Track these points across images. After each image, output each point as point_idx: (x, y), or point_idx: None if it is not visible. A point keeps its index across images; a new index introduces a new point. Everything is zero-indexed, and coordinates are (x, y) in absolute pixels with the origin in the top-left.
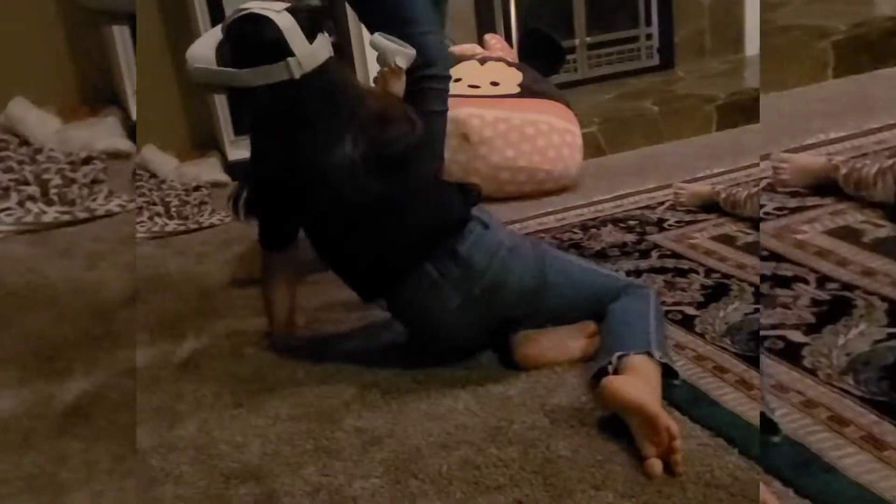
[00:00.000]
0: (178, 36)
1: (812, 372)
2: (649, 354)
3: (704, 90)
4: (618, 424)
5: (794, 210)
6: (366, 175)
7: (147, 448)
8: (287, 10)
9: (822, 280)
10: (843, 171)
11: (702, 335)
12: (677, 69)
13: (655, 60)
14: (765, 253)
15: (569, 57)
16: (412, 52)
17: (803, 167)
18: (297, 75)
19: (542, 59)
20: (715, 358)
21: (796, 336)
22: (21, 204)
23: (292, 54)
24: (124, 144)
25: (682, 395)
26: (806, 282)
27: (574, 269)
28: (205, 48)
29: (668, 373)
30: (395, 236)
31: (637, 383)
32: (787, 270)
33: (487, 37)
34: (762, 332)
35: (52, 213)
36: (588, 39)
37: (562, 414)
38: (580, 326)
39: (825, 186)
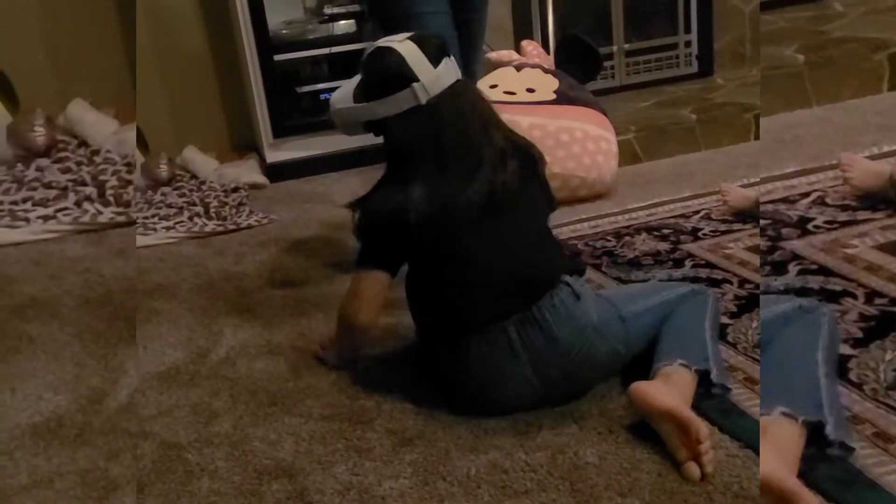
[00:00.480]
0: (220, 40)
1: (858, 386)
2: (700, 372)
3: (743, 98)
4: (645, 433)
5: (844, 224)
6: (480, 214)
7: (184, 443)
8: (409, 38)
9: (871, 295)
10: None
11: (734, 345)
12: (716, 77)
13: (694, 68)
14: (814, 266)
15: (607, 64)
16: None
17: (871, 170)
18: (423, 100)
19: (578, 66)
20: (746, 369)
21: (843, 349)
22: (78, 204)
23: (417, 80)
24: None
25: (712, 405)
26: (854, 296)
27: (649, 311)
28: (344, 92)
29: (722, 387)
30: (483, 284)
31: (666, 389)
32: (835, 285)
33: (524, 43)
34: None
35: (107, 214)
36: (626, 46)
37: (590, 421)
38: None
39: (884, 197)
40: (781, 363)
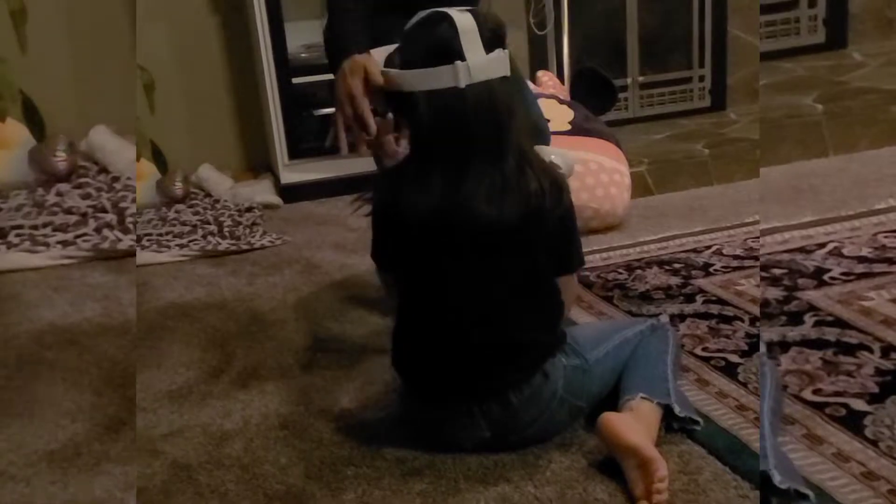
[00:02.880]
0: (240, 61)
1: (873, 443)
2: (665, 406)
3: (756, 135)
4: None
5: (860, 276)
6: (474, 242)
7: (195, 464)
8: (471, 11)
9: (887, 349)
10: None
11: (745, 384)
12: (729, 112)
13: (707, 102)
14: (830, 318)
15: (621, 95)
16: (574, 155)
17: None
18: (462, 83)
19: (594, 98)
20: (758, 408)
21: (859, 405)
22: (98, 230)
23: (464, 59)
24: (202, 175)
25: (723, 444)
26: (870, 350)
27: (609, 355)
28: (379, 53)
29: (689, 419)
30: (453, 359)
31: (634, 424)
32: (851, 338)
33: (540, 73)
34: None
35: (127, 241)
36: (640, 79)
37: (600, 456)
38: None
39: None
40: (641, 365)
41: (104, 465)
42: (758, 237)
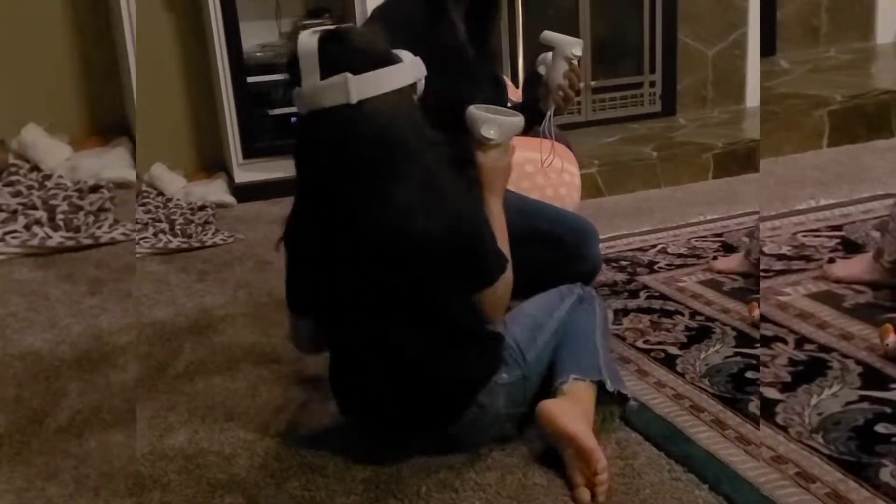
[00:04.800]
0: (194, 59)
1: (784, 428)
2: (597, 382)
3: (703, 139)
4: None
5: (778, 273)
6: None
7: (137, 456)
8: (327, 31)
9: (801, 341)
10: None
11: (682, 375)
12: (678, 117)
13: (658, 107)
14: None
15: (573, 99)
16: (517, 121)
17: (856, 266)
18: (301, 110)
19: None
20: (693, 397)
21: (771, 393)
22: (28, 227)
23: (300, 84)
24: (132, 174)
25: (659, 431)
26: (785, 342)
27: (546, 347)
28: None
29: (621, 398)
30: (384, 400)
31: (573, 411)
32: (767, 330)
33: None
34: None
35: (57, 238)
36: (593, 83)
37: (540, 444)
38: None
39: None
40: (572, 342)
41: (26, 455)
42: (713, 233)
